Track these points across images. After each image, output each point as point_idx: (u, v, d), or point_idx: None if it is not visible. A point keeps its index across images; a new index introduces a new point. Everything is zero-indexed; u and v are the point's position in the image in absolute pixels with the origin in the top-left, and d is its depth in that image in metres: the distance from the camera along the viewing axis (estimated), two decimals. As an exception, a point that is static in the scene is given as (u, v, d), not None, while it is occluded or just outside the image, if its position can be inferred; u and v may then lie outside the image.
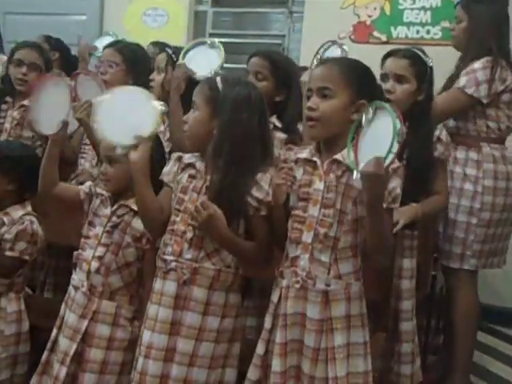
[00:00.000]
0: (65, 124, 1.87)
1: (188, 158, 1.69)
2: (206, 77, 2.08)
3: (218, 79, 1.64)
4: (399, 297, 2.02)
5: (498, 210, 2.40)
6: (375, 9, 3.77)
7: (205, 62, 2.20)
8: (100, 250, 1.79)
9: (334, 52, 2.37)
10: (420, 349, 2.14)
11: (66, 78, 3.02)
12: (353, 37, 3.79)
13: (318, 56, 2.31)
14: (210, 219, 1.52)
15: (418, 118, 2.03)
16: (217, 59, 2.24)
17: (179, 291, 1.60)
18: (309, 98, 1.57)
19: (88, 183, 1.93)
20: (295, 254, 1.55)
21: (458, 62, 2.51)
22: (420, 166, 1.99)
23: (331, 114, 1.51)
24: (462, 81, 2.34)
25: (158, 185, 1.68)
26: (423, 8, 3.67)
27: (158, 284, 1.64)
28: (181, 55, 2.21)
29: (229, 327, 1.63)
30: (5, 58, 3.08)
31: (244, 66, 2.27)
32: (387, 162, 1.35)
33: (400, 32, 3.72)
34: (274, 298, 1.60)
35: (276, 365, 1.53)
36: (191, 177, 1.65)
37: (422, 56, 2.07)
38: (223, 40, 4.28)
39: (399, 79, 2.05)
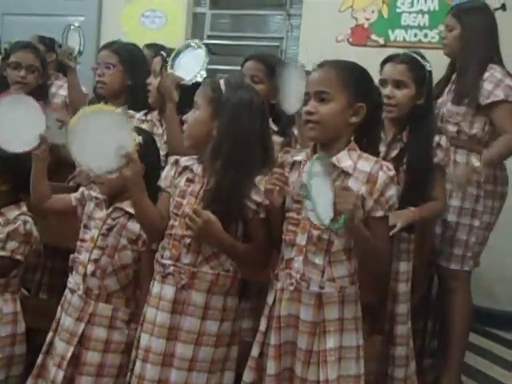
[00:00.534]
0: (43, 138, 1.81)
1: (185, 160, 1.69)
2: (192, 80, 2.10)
3: (222, 81, 1.64)
4: (395, 300, 2.02)
5: (495, 213, 2.48)
6: (373, 12, 3.78)
7: (193, 63, 2.19)
8: (96, 253, 1.79)
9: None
10: (416, 352, 2.14)
11: (64, 77, 3.02)
12: (351, 40, 3.80)
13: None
14: (206, 226, 1.52)
15: (417, 122, 2.04)
16: (202, 60, 2.22)
17: (177, 296, 1.59)
18: (306, 101, 1.57)
19: (80, 189, 1.93)
20: (290, 257, 1.56)
21: (450, 68, 2.53)
22: (419, 171, 2.00)
23: (330, 117, 1.52)
24: (499, 93, 2.34)
25: (154, 189, 1.68)
26: (421, 11, 3.68)
27: (155, 288, 1.64)
28: (169, 63, 2.19)
29: (227, 331, 1.64)
30: None
31: (242, 68, 2.27)
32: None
33: (398, 35, 3.73)
34: (269, 300, 1.60)
35: (270, 367, 1.53)
36: (189, 180, 1.65)
37: (421, 60, 2.08)
38: (221, 42, 4.36)
39: (398, 84, 2.06)
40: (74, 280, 1.82)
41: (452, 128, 2.44)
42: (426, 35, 3.66)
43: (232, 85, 1.63)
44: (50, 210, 1.91)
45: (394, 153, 2.06)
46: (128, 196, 1.78)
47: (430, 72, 2.08)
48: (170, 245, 1.63)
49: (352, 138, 1.55)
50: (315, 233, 1.52)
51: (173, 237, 1.63)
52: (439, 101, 2.50)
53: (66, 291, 1.84)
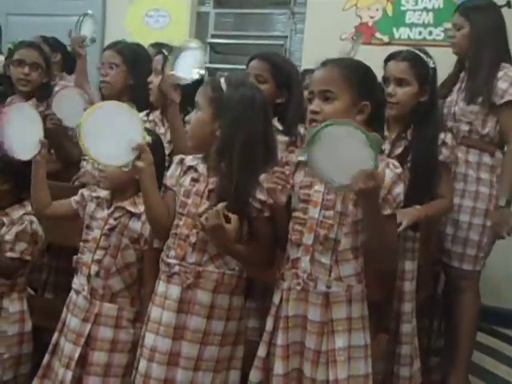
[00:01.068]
0: (43, 143, 1.84)
1: (190, 160, 1.69)
2: (189, 79, 2.08)
3: (222, 80, 1.62)
4: (401, 299, 2.02)
5: None
6: (377, 10, 3.78)
7: (192, 63, 2.18)
8: (99, 254, 1.79)
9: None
10: (422, 350, 2.14)
11: (69, 76, 3.02)
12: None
13: None
14: (219, 229, 1.49)
15: (422, 119, 2.04)
16: (200, 59, 2.21)
17: (183, 295, 1.59)
18: (310, 100, 1.57)
19: (80, 191, 1.93)
20: (296, 256, 1.55)
21: (458, 66, 2.52)
22: (424, 169, 2.00)
23: (335, 116, 1.51)
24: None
25: (159, 188, 1.68)
26: (425, 9, 3.67)
27: (161, 287, 1.64)
28: (168, 64, 2.18)
29: (233, 330, 1.64)
30: (2, 58, 3.08)
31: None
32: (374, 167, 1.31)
33: (402, 33, 3.72)
34: (276, 300, 1.60)
35: (278, 367, 1.53)
36: (194, 180, 1.65)
37: (424, 57, 2.07)
38: (225, 41, 4.36)
39: (400, 82, 2.06)
40: (78, 281, 1.82)
41: (464, 127, 2.43)
42: (430, 33, 3.65)
43: (233, 83, 1.62)
44: (52, 216, 1.91)
45: (399, 151, 2.05)
46: (129, 195, 1.79)
47: (433, 69, 2.07)
48: (175, 244, 1.63)
49: None
50: (322, 232, 1.51)
51: (178, 236, 1.63)
52: (448, 99, 2.49)
53: (72, 292, 1.85)
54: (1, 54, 3.29)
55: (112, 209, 1.81)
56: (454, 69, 2.55)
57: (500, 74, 2.35)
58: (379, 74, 1.98)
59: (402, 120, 2.08)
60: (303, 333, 1.53)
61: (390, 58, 2.12)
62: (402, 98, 2.05)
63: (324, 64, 1.59)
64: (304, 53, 3.94)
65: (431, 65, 2.07)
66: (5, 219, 2.00)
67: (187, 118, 1.69)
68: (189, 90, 1.99)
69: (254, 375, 1.60)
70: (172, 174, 1.71)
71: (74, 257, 1.85)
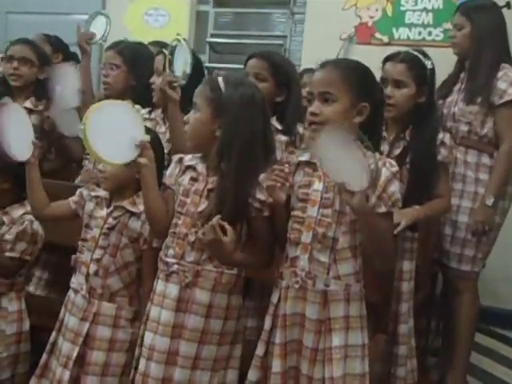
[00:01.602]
0: (35, 144, 1.84)
1: (188, 160, 1.69)
2: (184, 80, 2.08)
3: (220, 80, 1.62)
4: (399, 299, 2.03)
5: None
6: (377, 10, 3.78)
7: (183, 61, 2.17)
8: (98, 253, 1.79)
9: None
10: (420, 351, 2.14)
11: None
12: (354, 38, 3.80)
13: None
14: (217, 243, 1.48)
15: (420, 120, 2.04)
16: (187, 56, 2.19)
17: (181, 294, 1.59)
18: (309, 100, 1.57)
19: (78, 191, 1.92)
20: (295, 255, 1.55)
21: (458, 66, 2.52)
22: (423, 169, 2.00)
23: (334, 118, 1.51)
24: None
25: (159, 186, 1.68)
26: (425, 9, 3.67)
27: (159, 286, 1.64)
28: (166, 64, 2.17)
29: (231, 329, 1.64)
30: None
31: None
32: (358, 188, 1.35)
33: (402, 33, 3.72)
34: (274, 299, 1.60)
35: (276, 366, 1.53)
36: (193, 179, 1.65)
37: (422, 58, 2.07)
38: (225, 40, 4.36)
39: (397, 84, 2.06)
40: (76, 280, 1.82)
41: (463, 127, 2.44)
42: (430, 33, 3.65)
43: (232, 82, 1.62)
44: (50, 217, 1.90)
45: (397, 151, 2.05)
46: (128, 195, 1.79)
47: (431, 70, 2.07)
48: (173, 243, 1.63)
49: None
50: (320, 230, 1.52)
51: (176, 235, 1.63)
52: (448, 99, 2.49)
53: (70, 291, 1.84)
54: None
55: (111, 208, 1.81)
56: (454, 69, 2.55)
57: (500, 74, 2.35)
58: (378, 75, 1.98)
59: (401, 121, 2.09)
60: (301, 331, 1.54)
61: (387, 59, 2.12)
62: (400, 100, 2.05)
63: (323, 65, 1.59)
64: (304, 53, 3.94)
65: (429, 66, 2.07)
66: (5, 218, 2.00)
67: (185, 117, 1.68)
68: (189, 90, 2.00)
69: (253, 374, 1.60)
70: (171, 173, 1.71)
71: (73, 256, 1.85)
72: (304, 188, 1.58)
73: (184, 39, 2.16)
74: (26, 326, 2.01)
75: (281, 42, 4.19)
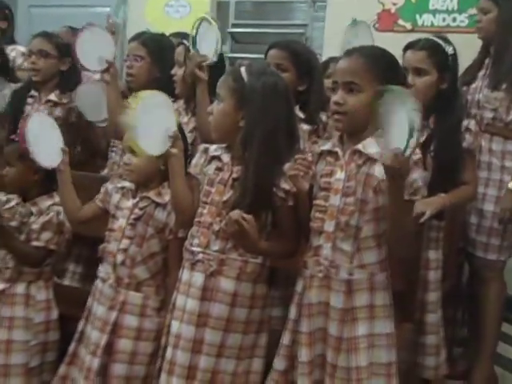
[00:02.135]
0: (64, 151, 1.89)
1: (213, 150, 1.70)
2: (212, 58, 2.08)
3: (243, 69, 1.62)
4: (426, 288, 2.01)
5: None
6: (400, -4, 3.73)
7: (211, 40, 2.17)
8: (124, 243, 1.80)
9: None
10: (447, 341, 2.12)
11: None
12: (377, 25, 3.74)
13: None
14: (241, 233, 1.50)
15: (443, 107, 2.01)
16: (216, 35, 2.18)
17: (206, 282, 1.61)
18: (334, 89, 1.55)
19: (102, 188, 1.94)
20: (318, 244, 1.55)
21: (483, 52, 2.47)
22: (448, 156, 1.97)
23: (358, 108, 1.50)
24: None
25: None
26: (450, -5, 3.61)
27: (185, 275, 1.66)
28: (190, 45, 2.17)
29: (256, 318, 1.65)
30: (21, 48, 3.09)
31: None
32: (406, 153, 1.33)
33: (425, 20, 3.66)
34: (299, 287, 1.61)
35: (303, 355, 1.54)
36: (218, 169, 1.66)
37: (442, 44, 2.03)
38: (245, 30, 4.34)
39: (418, 72, 2.02)
40: (104, 269, 1.85)
41: (488, 114, 2.39)
42: (454, 19, 3.58)
43: (254, 72, 1.62)
44: (84, 220, 1.92)
45: (421, 139, 2.02)
46: (154, 185, 1.81)
47: (453, 55, 2.04)
48: (198, 232, 1.64)
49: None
50: (343, 219, 1.51)
51: (202, 224, 1.64)
52: (473, 86, 2.45)
53: (97, 280, 1.87)
54: (15, 42, 3.27)
55: (137, 199, 1.83)
56: (478, 55, 2.50)
57: None
58: (401, 62, 1.95)
59: (424, 108, 2.05)
60: (326, 319, 1.54)
61: (407, 47, 2.08)
62: (421, 88, 2.01)
63: (348, 54, 1.57)
64: (325, 41, 3.91)
65: (450, 51, 2.03)
66: (33, 209, 2.03)
67: (209, 109, 1.69)
68: (212, 81, 2.01)
69: (279, 363, 1.61)
70: (196, 163, 1.73)
71: (100, 246, 1.87)
72: (326, 177, 1.57)
73: (212, 18, 2.16)
74: (55, 314, 2.04)
75: (302, 30, 4.16)
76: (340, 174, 1.54)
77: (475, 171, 2.12)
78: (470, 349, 2.57)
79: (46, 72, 2.55)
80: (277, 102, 1.59)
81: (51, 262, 2.07)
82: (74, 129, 2.53)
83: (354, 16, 3.66)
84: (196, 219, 1.66)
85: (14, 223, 1.99)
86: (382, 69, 1.52)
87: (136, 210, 1.81)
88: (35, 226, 2.00)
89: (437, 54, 2.02)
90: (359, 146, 1.52)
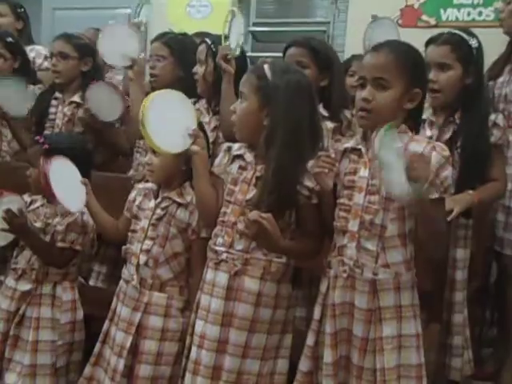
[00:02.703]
0: (85, 183, 1.92)
1: (236, 149, 1.69)
2: (235, 50, 2.08)
3: (266, 67, 1.61)
4: (453, 288, 1.97)
5: None
6: (424, -9, 3.67)
7: (235, 33, 2.17)
8: (147, 243, 1.81)
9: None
10: (474, 341, 2.09)
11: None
12: (400, 21, 3.69)
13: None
14: (262, 233, 1.49)
15: (469, 102, 1.97)
16: (238, 28, 2.17)
17: (231, 282, 1.60)
18: (361, 85, 1.53)
19: (127, 202, 1.95)
20: (342, 243, 1.54)
21: (510, 47, 2.42)
22: (475, 152, 1.93)
23: (386, 105, 1.48)
24: None
25: None
26: (475, -11, 3.55)
27: (209, 274, 1.65)
28: (222, 39, 2.17)
29: (281, 318, 1.63)
30: (40, 48, 3.11)
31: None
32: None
33: (450, 15, 3.60)
34: (323, 288, 1.59)
35: (327, 356, 1.52)
36: (241, 168, 1.66)
37: (466, 37, 1.99)
38: (267, 29, 4.33)
39: (441, 67, 1.98)
40: (127, 271, 1.85)
41: None
42: (480, 13, 3.52)
43: (278, 69, 1.61)
44: (123, 234, 1.92)
45: (447, 136, 1.99)
46: (175, 185, 1.81)
47: (477, 49, 1.99)
48: (222, 232, 1.64)
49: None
50: (367, 218, 1.49)
51: (225, 224, 1.63)
52: (499, 80, 2.40)
53: (121, 282, 1.88)
54: (33, 43, 3.30)
55: (159, 199, 1.83)
56: (506, 49, 2.45)
57: None
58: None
59: (449, 104, 2.02)
60: (350, 320, 1.52)
61: (429, 42, 2.04)
62: (445, 84, 1.97)
63: (377, 48, 1.54)
64: (347, 38, 3.88)
65: (474, 44, 1.98)
66: (59, 210, 2.04)
67: (232, 107, 1.68)
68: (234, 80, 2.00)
69: (303, 364, 1.59)
70: (220, 162, 1.72)
71: (123, 247, 1.88)
72: (350, 175, 1.56)
73: (239, 11, 2.17)
74: (80, 315, 2.05)
75: (324, 28, 4.13)
76: (364, 172, 1.52)
77: (503, 167, 2.07)
78: (499, 349, 2.52)
79: (68, 74, 2.58)
80: (301, 100, 1.58)
81: (76, 262, 2.09)
82: (96, 129, 2.54)
83: (376, 12, 3.65)
84: (220, 218, 1.66)
85: (38, 224, 2.01)
86: (410, 65, 1.50)
87: (158, 211, 1.81)
88: (60, 227, 2.01)
89: (460, 47, 1.98)
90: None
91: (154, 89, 2.43)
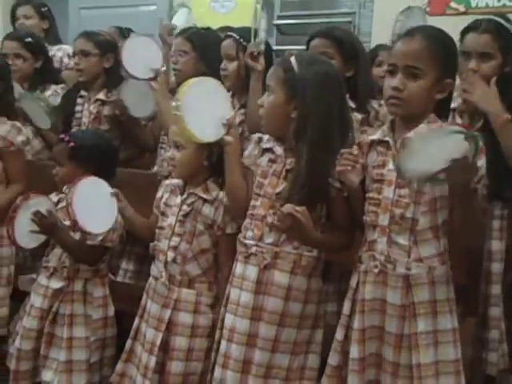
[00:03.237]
0: (115, 193, 1.92)
1: (266, 142, 1.68)
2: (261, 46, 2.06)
3: (293, 59, 1.59)
4: (489, 281, 1.92)
5: None
6: (452, -23, 3.58)
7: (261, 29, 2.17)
8: (174, 240, 1.81)
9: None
10: (510, 335, 2.04)
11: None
12: (428, 9, 3.61)
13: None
14: (296, 226, 1.47)
15: (506, 91, 1.91)
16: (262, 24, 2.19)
17: (260, 276, 1.59)
18: (391, 72, 1.48)
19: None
20: (372, 238, 1.51)
21: None
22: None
23: (418, 95, 1.44)
24: None
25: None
26: (506, -28, 3.44)
27: (239, 268, 1.65)
28: (252, 35, 2.15)
29: (311, 313, 1.62)
30: (67, 47, 3.13)
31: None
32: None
33: (479, 1, 3.50)
34: (353, 282, 1.57)
35: (354, 351, 1.50)
36: (271, 161, 1.64)
37: (505, 24, 1.93)
38: (292, 22, 4.29)
39: (483, 57, 1.92)
40: (156, 268, 1.85)
41: None
42: (511, -1, 3.42)
43: (305, 61, 1.59)
44: (155, 231, 1.91)
45: (479, 124, 1.94)
46: (200, 181, 1.80)
47: None
48: (252, 225, 1.63)
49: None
50: (397, 211, 1.46)
51: (255, 217, 1.63)
52: None
53: (150, 278, 1.88)
54: (60, 42, 3.33)
55: (185, 195, 1.82)
56: None
57: None
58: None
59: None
60: (381, 317, 1.49)
61: (468, 29, 1.97)
62: (487, 74, 1.91)
63: (410, 34, 1.49)
64: (373, 29, 3.83)
65: None
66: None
67: (259, 101, 1.66)
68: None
69: (333, 358, 1.58)
70: (249, 154, 1.71)
71: (151, 244, 1.88)
72: (378, 168, 1.53)
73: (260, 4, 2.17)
74: (111, 311, 2.07)
75: (349, 18, 4.08)
76: (392, 165, 1.49)
77: None
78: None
79: (90, 71, 2.58)
80: (329, 91, 1.56)
81: (107, 258, 2.11)
82: (122, 125, 2.55)
83: (403, 1, 3.59)
84: (249, 212, 1.65)
85: (67, 222, 2.02)
86: (444, 54, 1.46)
87: (184, 207, 1.81)
88: (89, 225, 2.02)
89: (502, 36, 1.91)
90: (411, 134, 1.46)
91: (178, 84, 2.43)
